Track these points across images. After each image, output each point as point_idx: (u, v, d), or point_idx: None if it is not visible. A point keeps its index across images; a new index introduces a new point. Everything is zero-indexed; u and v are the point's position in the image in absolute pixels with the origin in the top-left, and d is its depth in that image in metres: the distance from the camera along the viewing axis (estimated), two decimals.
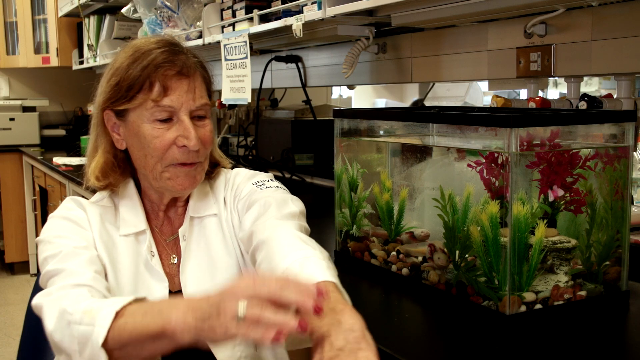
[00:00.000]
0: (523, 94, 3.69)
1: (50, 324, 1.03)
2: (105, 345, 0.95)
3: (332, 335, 0.86)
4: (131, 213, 1.26)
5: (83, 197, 1.31)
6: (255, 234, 1.16)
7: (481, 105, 3.87)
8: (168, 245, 1.28)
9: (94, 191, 1.33)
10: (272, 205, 1.20)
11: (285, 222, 1.16)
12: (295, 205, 1.23)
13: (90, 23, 4.48)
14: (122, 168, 1.27)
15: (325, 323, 0.88)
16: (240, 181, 1.31)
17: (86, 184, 1.29)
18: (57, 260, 1.13)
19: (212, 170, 1.32)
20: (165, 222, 1.29)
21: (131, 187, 1.28)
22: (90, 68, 4.67)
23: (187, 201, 1.30)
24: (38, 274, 1.16)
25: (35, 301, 1.08)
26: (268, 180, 1.30)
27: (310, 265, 1.01)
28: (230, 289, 0.85)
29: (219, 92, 2.60)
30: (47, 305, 1.05)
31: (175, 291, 1.23)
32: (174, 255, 1.27)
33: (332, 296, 0.93)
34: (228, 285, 0.86)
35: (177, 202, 1.29)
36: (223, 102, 2.53)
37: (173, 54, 1.18)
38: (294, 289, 0.82)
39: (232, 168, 1.38)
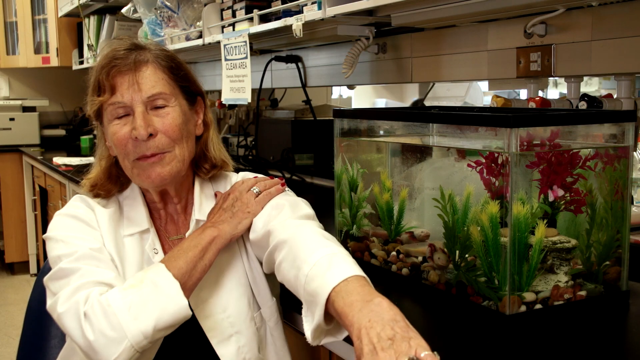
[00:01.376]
0: (523, 94, 3.69)
1: (90, 327, 1.03)
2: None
3: (376, 326, 0.85)
4: (135, 212, 1.27)
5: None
6: (273, 234, 1.16)
7: (481, 105, 3.87)
8: (173, 244, 1.28)
9: None
10: (286, 207, 1.20)
11: (305, 222, 1.16)
12: (308, 207, 1.24)
13: (90, 23, 4.48)
14: (114, 176, 1.28)
15: (364, 315, 0.88)
16: None
17: (80, 187, 1.32)
18: (73, 259, 1.12)
19: (210, 170, 1.31)
20: (169, 220, 1.30)
21: (136, 189, 1.29)
22: (91, 68, 4.66)
23: (183, 197, 1.30)
24: (38, 273, 1.15)
25: (61, 309, 1.06)
26: None
27: (338, 261, 1.00)
28: (235, 190, 1.27)
29: (219, 92, 2.60)
30: (72, 311, 1.05)
31: None
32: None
33: (366, 289, 0.94)
34: (231, 190, 1.28)
35: (171, 199, 1.29)
36: (223, 102, 2.53)
37: (122, 51, 1.20)
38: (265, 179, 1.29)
39: (236, 171, 1.38)
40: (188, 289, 1.13)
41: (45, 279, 1.15)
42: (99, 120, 1.25)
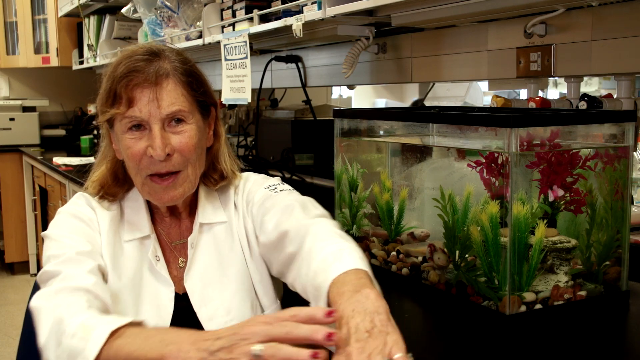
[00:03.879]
0: (523, 94, 3.69)
1: (43, 334, 1.00)
2: None
3: (357, 316, 0.86)
4: (136, 217, 1.25)
5: None
6: (288, 237, 1.14)
7: (481, 105, 3.87)
8: (176, 249, 1.27)
9: None
10: (296, 208, 1.18)
11: (318, 220, 1.15)
12: (318, 207, 1.22)
13: (90, 23, 4.48)
14: (121, 180, 1.26)
15: (349, 304, 0.88)
16: (251, 186, 1.30)
17: (85, 190, 1.29)
18: (59, 262, 1.11)
19: (218, 182, 1.28)
20: (173, 225, 1.28)
21: (139, 192, 1.28)
22: (90, 68, 4.66)
23: (189, 204, 1.29)
24: (38, 273, 1.15)
25: (34, 303, 1.05)
26: (279, 184, 1.29)
27: (344, 255, 1.00)
28: (244, 327, 0.86)
29: (219, 92, 2.60)
30: (45, 311, 1.02)
31: (183, 293, 1.23)
32: (183, 259, 1.26)
33: (361, 281, 0.93)
34: (241, 324, 0.87)
35: (177, 208, 1.28)
36: (223, 102, 2.53)
37: (141, 62, 1.16)
38: (305, 326, 0.85)
39: (240, 171, 1.36)
40: None
41: (37, 277, 1.14)
42: (107, 122, 1.21)
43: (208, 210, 1.27)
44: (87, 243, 1.17)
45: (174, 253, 1.26)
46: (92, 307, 1.04)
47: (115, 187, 1.26)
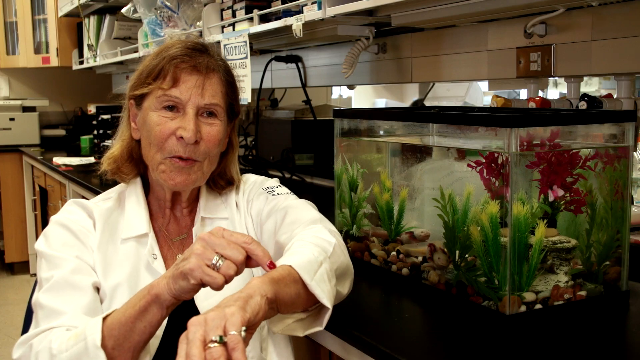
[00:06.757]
0: (523, 94, 3.69)
1: None
2: (102, 346, 0.98)
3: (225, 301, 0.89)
4: (135, 215, 1.26)
5: (84, 197, 1.31)
6: (280, 246, 1.18)
7: (481, 105, 3.87)
8: (174, 245, 1.28)
9: (96, 192, 1.33)
10: (290, 216, 1.22)
11: (307, 228, 1.17)
12: (310, 210, 1.24)
13: (90, 23, 4.48)
14: (134, 160, 1.28)
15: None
16: (251, 187, 1.34)
17: (100, 169, 1.31)
18: (46, 289, 1.13)
19: (225, 187, 1.33)
20: (172, 220, 1.30)
21: (138, 187, 1.29)
22: (90, 68, 4.66)
23: (192, 202, 1.30)
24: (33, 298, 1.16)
25: (17, 355, 1.07)
26: (277, 187, 1.33)
27: (292, 248, 1.06)
28: (203, 240, 0.97)
29: None
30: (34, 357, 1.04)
31: None
32: (181, 255, 1.27)
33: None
34: (199, 238, 0.98)
35: (181, 201, 1.29)
36: None
37: (193, 51, 1.21)
38: (259, 247, 0.99)
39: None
40: (127, 350, 1.01)
41: (32, 302, 1.17)
42: (134, 100, 1.25)
43: (210, 205, 1.30)
44: (75, 258, 1.18)
45: (172, 250, 1.27)
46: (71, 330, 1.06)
47: (129, 166, 1.28)
